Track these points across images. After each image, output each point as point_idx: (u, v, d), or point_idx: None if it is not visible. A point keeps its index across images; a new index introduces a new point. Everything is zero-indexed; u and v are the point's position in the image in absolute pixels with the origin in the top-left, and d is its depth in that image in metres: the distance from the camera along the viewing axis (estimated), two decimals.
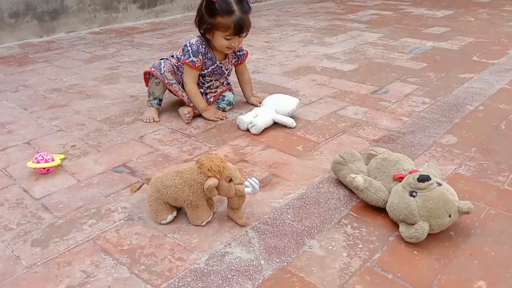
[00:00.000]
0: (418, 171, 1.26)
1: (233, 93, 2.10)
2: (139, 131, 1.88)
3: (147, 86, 2.01)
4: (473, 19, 4.10)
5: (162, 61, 1.99)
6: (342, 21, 4.14)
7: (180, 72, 1.98)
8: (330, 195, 1.39)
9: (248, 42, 3.38)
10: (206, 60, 1.93)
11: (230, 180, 1.21)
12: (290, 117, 1.90)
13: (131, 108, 2.10)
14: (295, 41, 3.42)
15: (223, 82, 2.08)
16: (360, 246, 1.16)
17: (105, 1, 3.98)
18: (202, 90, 2.01)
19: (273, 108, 1.89)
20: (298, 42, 3.37)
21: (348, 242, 1.18)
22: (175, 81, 1.97)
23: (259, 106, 1.98)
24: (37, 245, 1.19)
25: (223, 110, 2.05)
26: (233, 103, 2.08)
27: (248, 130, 1.84)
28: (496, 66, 2.68)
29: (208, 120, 1.95)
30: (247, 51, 2.08)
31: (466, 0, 5.15)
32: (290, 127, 1.87)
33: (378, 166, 1.32)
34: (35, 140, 1.82)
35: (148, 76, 2.00)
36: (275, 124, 1.88)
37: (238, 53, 2.03)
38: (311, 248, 1.16)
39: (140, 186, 1.30)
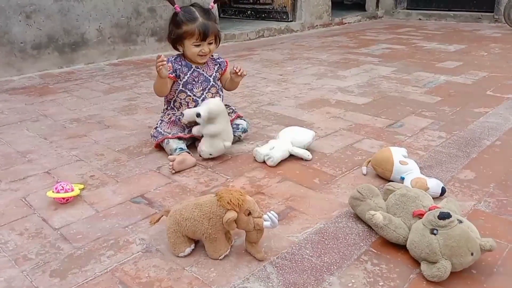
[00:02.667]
0: (438, 207, 1.25)
1: (245, 120, 2.12)
2: (157, 162, 1.90)
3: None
4: (486, 53, 4.14)
5: (157, 128, 2.01)
6: (355, 55, 4.21)
7: (177, 118, 2.00)
8: (349, 230, 1.38)
9: (263, 75, 3.45)
10: (180, 67, 1.98)
11: (249, 214, 1.21)
12: (306, 149, 1.91)
13: (149, 139, 2.13)
14: (309, 74, 3.48)
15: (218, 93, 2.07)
16: (380, 284, 1.14)
17: (124, 34, 4.11)
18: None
19: (289, 140, 1.90)
20: (312, 75, 3.42)
21: (368, 279, 1.16)
22: (177, 129, 1.99)
23: (237, 72, 1.98)
24: (56, 275, 1.19)
25: (239, 138, 2.06)
26: (247, 130, 2.10)
27: (264, 162, 1.85)
28: (511, 101, 2.68)
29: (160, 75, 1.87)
30: (226, 60, 2.13)
31: (477, 35, 5.21)
32: (306, 160, 1.88)
33: (397, 203, 1.31)
34: (54, 169, 1.85)
35: (159, 146, 1.99)
36: (291, 157, 1.89)
37: (217, 60, 2.09)
38: (330, 285, 1.14)
39: (159, 218, 1.30)
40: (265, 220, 1.23)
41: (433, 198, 1.47)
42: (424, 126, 2.28)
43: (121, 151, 2.03)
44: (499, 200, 1.55)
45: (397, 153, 1.67)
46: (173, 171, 1.77)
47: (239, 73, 2.02)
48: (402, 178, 1.61)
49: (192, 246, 1.27)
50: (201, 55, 1.96)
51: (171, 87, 2.00)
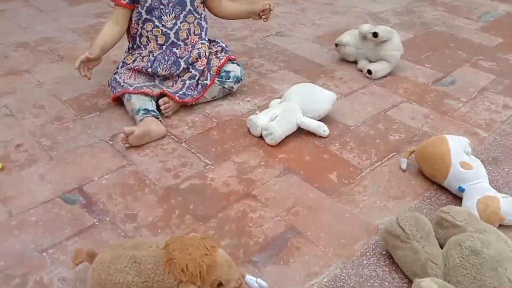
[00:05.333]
0: None
1: (238, 65, 1.52)
2: (112, 126, 1.37)
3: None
4: None
5: (115, 75, 1.43)
6: None
7: (144, 68, 1.43)
8: (380, 283, 0.90)
9: None
10: None
11: (220, 286, 0.72)
12: (322, 120, 1.36)
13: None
14: None
15: (201, 33, 1.47)
16: None
17: None
18: (176, 52, 1.42)
19: (299, 107, 1.34)
20: None
21: None
22: (144, 80, 1.43)
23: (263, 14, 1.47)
24: None
25: (230, 91, 1.50)
26: (242, 78, 1.51)
27: (262, 136, 1.32)
28: None
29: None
30: None
31: None
32: (321, 136, 1.34)
33: (464, 265, 0.81)
34: None
35: (119, 99, 1.43)
36: (300, 130, 1.35)
37: None
38: None
39: (80, 262, 0.82)
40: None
41: (507, 225, 0.98)
42: (483, 85, 1.69)
43: (69, 102, 1.48)
44: None
45: (457, 148, 1.12)
46: (128, 145, 1.26)
47: (264, 17, 1.49)
48: (462, 190, 1.08)
49: None
50: None
51: (130, 17, 1.40)
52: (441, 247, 0.90)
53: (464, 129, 1.41)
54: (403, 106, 1.53)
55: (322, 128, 1.33)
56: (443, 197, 1.14)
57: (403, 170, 1.22)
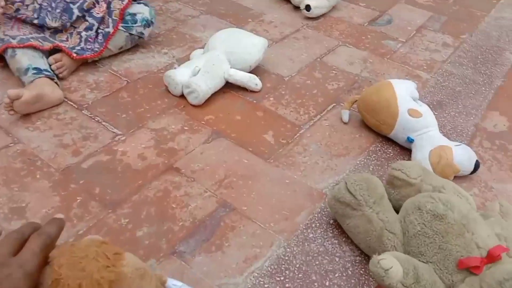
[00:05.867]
0: (504, 248, 0.66)
1: (146, 5, 1.26)
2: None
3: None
4: None
5: None
6: None
7: (29, 19, 1.14)
8: (330, 260, 0.77)
9: None
10: None
11: None
12: (252, 72, 1.18)
13: None
14: None
15: None
16: None
17: None
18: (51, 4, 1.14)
19: (225, 57, 1.14)
20: None
21: None
22: (30, 31, 1.14)
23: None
24: None
25: (139, 37, 1.25)
26: (153, 21, 1.26)
27: (183, 96, 1.11)
28: None
29: None
30: None
31: None
32: (253, 91, 1.17)
33: (427, 233, 0.69)
34: None
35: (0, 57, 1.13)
36: (229, 85, 1.15)
37: None
38: None
39: None
40: None
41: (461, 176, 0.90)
42: (420, 23, 1.58)
43: None
44: None
45: (404, 94, 1.00)
46: (12, 113, 1.00)
47: None
48: (410, 141, 0.97)
49: None
50: None
51: None
52: (396, 210, 0.78)
53: (406, 72, 1.30)
54: (339, 51, 1.38)
55: (253, 81, 1.15)
56: (390, 150, 1.02)
57: (345, 123, 1.08)
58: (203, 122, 1.05)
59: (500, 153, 1.03)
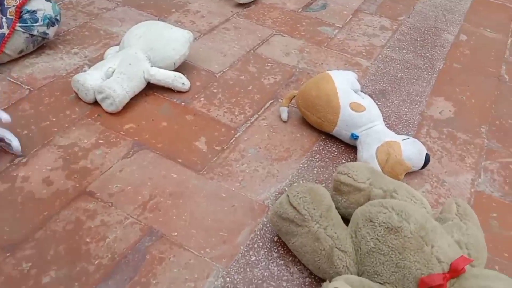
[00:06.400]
0: (467, 259, 0.58)
1: (49, 0, 1.08)
2: None
3: None
4: None
5: None
6: None
7: None
8: (277, 286, 0.67)
9: None
10: None
11: None
12: (177, 70, 1.04)
13: None
14: None
15: None
16: None
17: None
18: None
19: (144, 55, 1.00)
20: None
21: None
22: None
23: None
24: None
25: (44, 38, 1.07)
26: (58, 18, 1.09)
27: (97, 103, 0.96)
28: None
29: None
30: None
31: None
32: (180, 91, 1.03)
33: (382, 249, 0.60)
34: None
35: None
36: (150, 86, 1.01)
37: None
38: None
39: None
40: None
41: (411, 171, 0.83)
42: (356, 6, 1.50)
43: None
44: (503, 164, 0.94)
45: (344, 86, 0.91)
46: None
47: None
48: (355, 138, 0.89)
49: None
50: None
51: None
52: (345, 219, 0.69)
53: (345, 60, 1.21)
54: (274, 40, 1.27)
55: (179, 80, 1.02)
56: (334, 148, 0.93)
57: (285, 122, 0.98)
58: (122, 133, 0.91)
59: (449, 142, 0.98)
